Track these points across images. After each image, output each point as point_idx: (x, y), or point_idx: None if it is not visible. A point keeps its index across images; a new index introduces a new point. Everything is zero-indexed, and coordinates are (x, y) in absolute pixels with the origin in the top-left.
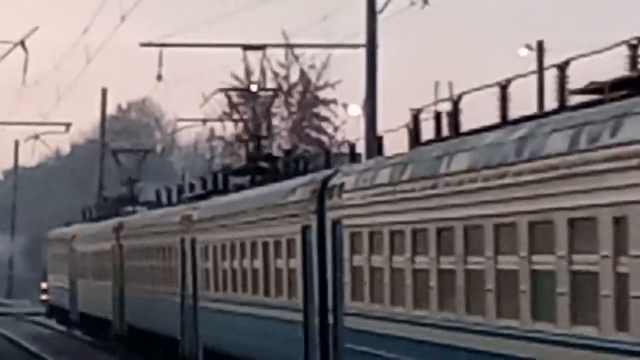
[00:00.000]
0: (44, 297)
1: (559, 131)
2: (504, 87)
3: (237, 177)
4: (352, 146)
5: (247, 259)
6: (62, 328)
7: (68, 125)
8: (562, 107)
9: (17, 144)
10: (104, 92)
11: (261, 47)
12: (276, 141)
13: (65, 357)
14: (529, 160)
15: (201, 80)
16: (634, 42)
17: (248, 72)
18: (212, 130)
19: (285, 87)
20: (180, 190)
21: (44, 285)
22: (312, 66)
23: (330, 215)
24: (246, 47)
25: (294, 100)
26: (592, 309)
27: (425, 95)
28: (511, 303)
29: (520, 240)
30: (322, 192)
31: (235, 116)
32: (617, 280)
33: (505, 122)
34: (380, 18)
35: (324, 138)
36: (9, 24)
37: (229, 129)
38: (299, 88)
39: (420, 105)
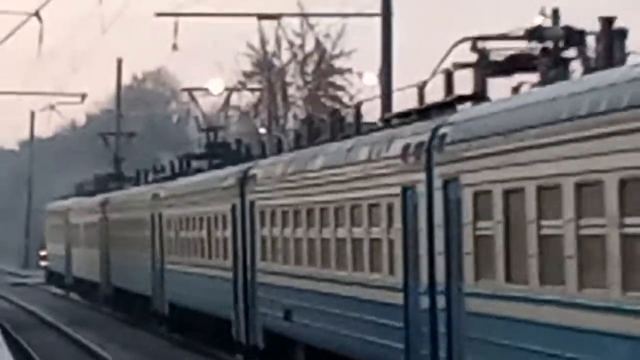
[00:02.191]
0: (43, 263)
1: (366, 145)
2: (357, 106)
3: (198, 161)
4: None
5: (197, 230)
6: (62, 292)
7: (83, 96)
8: (386, 126)
9: (32, 114)
10: (119, 62)
11: (276, 17)
12: (291, 110)
13: (56, 314)
14: (349, 164)
15: (217, 49)
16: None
17: (263, 42)
18: (228, 99)
19: (300, 56)
20: (156, 170)
21: (43, 252)
22: (327, 35)
23: (248, 198)
24: (261, 17)
25: (309, 69)
26: (360, 261)
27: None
28: (328, 259)
29: (332, 220)
30: (244, 180)
31: (252, 85)
32: (371, 245)
33: (358, 132)
34: None
35: (338, 106)
36: None
37: (245, 99)
38: (314, 57)
39: None
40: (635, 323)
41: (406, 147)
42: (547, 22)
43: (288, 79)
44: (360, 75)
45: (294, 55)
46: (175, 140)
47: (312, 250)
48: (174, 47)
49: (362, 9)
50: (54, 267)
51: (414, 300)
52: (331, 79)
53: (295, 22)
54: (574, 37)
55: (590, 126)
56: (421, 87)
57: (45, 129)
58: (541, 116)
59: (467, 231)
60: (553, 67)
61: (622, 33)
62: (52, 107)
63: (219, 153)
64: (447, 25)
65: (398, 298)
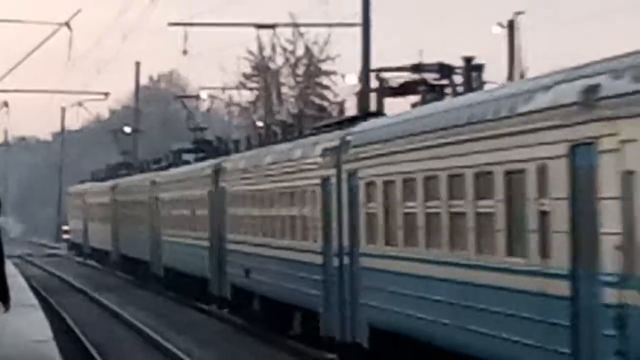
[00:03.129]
0: (65, 236)
1: (300, 147)
2: (340, 104)
3: (187, 154)
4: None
5: (184, 209)
6: (81, 259)
7: (107, 94)
8: (314, 133)
9: (63, 110)
10: (138, 66)
11: (272, 27)
12: (284, 106)
13: (82, 279)
14: (288, 161)
15: (221, 54)
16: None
17: (261, 48)
18: (230, 97)
19: (292, 60)
20: (155, 161)
21: (65, 227)
22: (315, 42)
23: (221, 184)
24: (259, 26)
25: (299, 71)
26: (295, 233)
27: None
28: (274, 232)
29: (277, 202)
30: (217, 171)
31: (251, 85)
32: (302, 220)
33: (301, 134)
34: (373, 0)
35: (325, 103)
36: (56, 7)
37: (244, 97)
38: (304, 61)
39: None
40: (456, 271)
41: (325, 150)
42: (504, 32)
43: (282, 79)
44: (343, 76)
45: (287, 60)
46: (185, 133)
47: (264, 225)
48: (184, 52)
49: (346, 19)
50: (75, 239)
51: (329, 260)
52: (318, 80)
53: (288, 31)
54: (445, 70)
55: (430, 139)
56: (341, 104)
57: (74, 122)
58: (402, 130)
59: (362, 210)
60: (429, 92)
61: (479, 67)
62: (80, 104)
63: (203, 148)
64: (418, 35)
65: (319, 259)
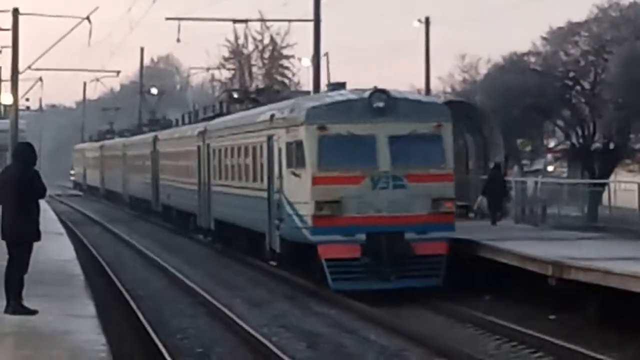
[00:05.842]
0: (72, 178)
1: (191, 129)
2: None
3: (145, 128)
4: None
5: (139, 162)
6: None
7: (118, 72)
8: (201, 120)
9: (85, 84)
10: (142, 50)
11: (245, 21)
12: (254, 82)
13: (98, 213)
14: (182, 137)
15: (206, 42)
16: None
17: (236, 37)
18: (213, 75)
19: (260, 47)
20: (127, 131)
21: (72, 171)
22: (278, 33)
23: (157, 148)
24: (235, 21)
25: (266, 55)
26: (187, 173)
27: (348, 54)
28: (174, 174)
29: (178, 158)
30: (155, 140)
31: (228, 66)
32: (189, 168)
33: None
34: (322, 2)
35: (286, 80)
36: (79, 3)
37: (224, 74)
38: (270, 48)
39: None
40: (239, 190)
41: (199, 132)
42: (422, 27)
43: (252, 62)
44: (299, 59)
45: (256, 47)
46: (179, 102)
47: (174, 170)
48: (178, 40)
49: (303, 16)
50: (78, 180)
51: (200, 187)
52: (280, 62)
53: (257, 24)
54: (261, 91)
55: (233, 130)
56: (219, 104)
57: (93, 93)
58: (225, 125)
59: (212, 163)
60: (252, 103)
61: (279, 91)
62: (97, 79)
63: (156, 124)
64: (354, 29)
65: (196, 187)
